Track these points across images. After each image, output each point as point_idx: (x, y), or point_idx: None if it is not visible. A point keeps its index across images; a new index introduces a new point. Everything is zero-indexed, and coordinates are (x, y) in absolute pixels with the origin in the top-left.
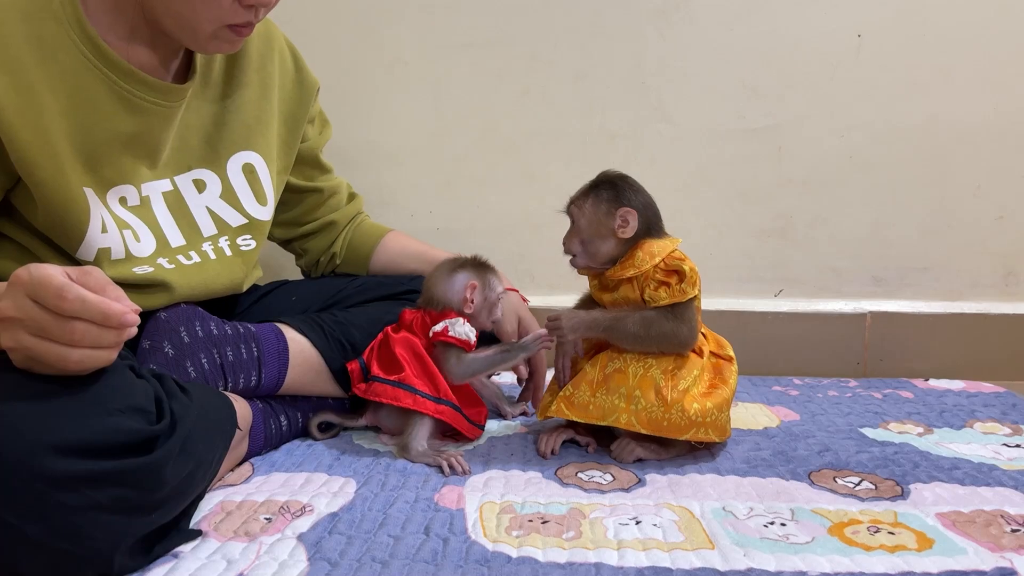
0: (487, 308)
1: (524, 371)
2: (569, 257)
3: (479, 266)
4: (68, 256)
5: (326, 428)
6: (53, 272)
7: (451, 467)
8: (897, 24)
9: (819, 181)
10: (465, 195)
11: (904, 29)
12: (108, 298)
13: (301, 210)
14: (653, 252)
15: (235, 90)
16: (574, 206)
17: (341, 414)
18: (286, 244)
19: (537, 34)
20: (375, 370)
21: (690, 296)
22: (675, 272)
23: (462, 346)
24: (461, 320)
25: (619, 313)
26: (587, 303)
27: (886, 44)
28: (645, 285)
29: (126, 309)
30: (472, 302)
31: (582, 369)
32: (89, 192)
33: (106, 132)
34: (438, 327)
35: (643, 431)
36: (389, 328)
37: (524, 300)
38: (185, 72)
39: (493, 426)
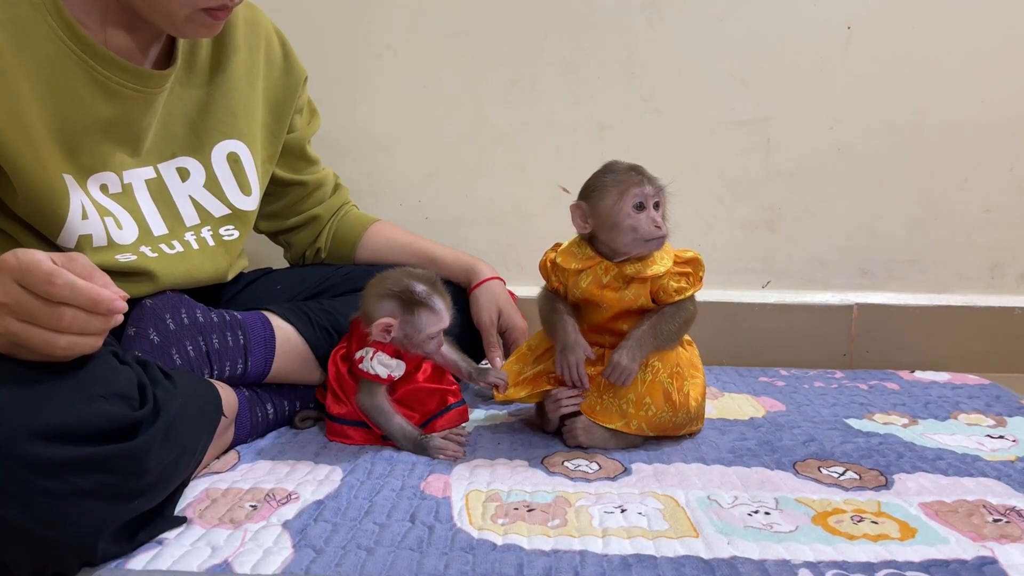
0: (413, 346)
1: (499, 362)
2: (654, 239)
3: (407, 303)
4: (49, 242)
5: (306, 418)
6: (41, 257)
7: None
8: (886, 17)
9: (807, 173)
10: (454, 185)
11: (893, 22)
12: (96, 284)
13: (285, 203)
14: (665, 249)
15: (220, 77)
16: (661, 190)
17: (323, 410)
18: (273, 237)
19: (527, 24)
20: (328, 405)
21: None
22: (687, 262)
23: (374, 380)
24: (372, 352)
25: (650, 324)
26: (551, 302)
27: (875, 37)
28: (663, 282)
29: (115, 296)
30: (389, 336)
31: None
32: (68, 178)
33: (84, 118)
34: (357, 355)
35: (650, 434)
36: (333, 349)
37: (512, 295)
38: (168, 58)
39: (479, 415)
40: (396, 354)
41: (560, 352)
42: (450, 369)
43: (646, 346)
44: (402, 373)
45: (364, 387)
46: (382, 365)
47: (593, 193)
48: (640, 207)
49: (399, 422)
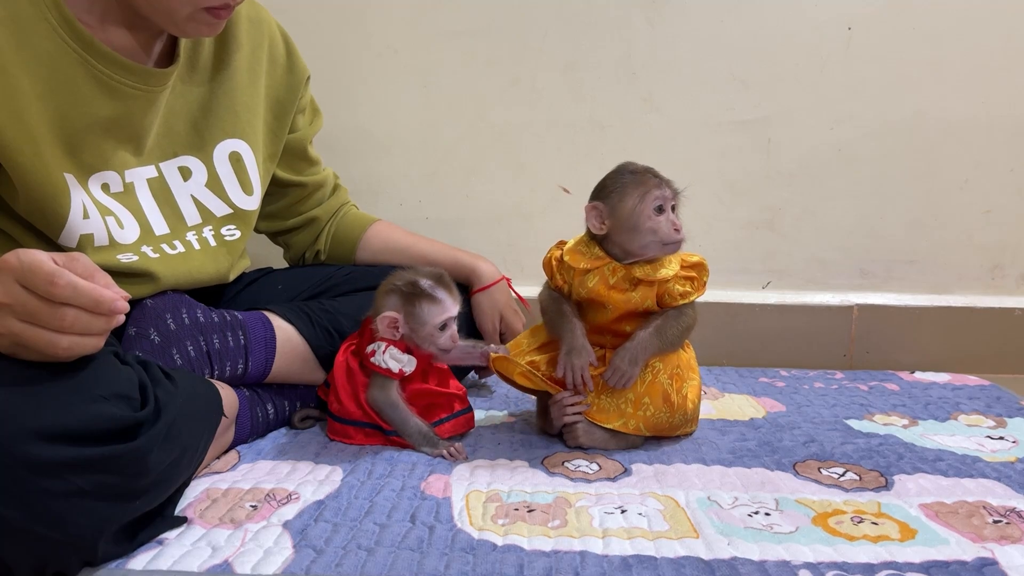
0: (422, 340)
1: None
2: (673, 243)
3: (409, 295)
4: (51, 242)
5: (306, 417)
6: (43, 258)
7: (451, 454)
8: (887, 17)
9: (808, 174)
10: (454, 185)
11: (894, 22)
12: (98, 285)
13: (284, 203)
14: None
15: (223, 75)
16: (677, 193)
17: (324, 409)
18: (272, 237)
19: (527, 23)
20: (330, 403)
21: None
22: (693, 267)
23: (386, 375)
24: (384, 346)
25: (654, 326)
26: (557, 303)
27: (876, 37)
28: (669, 286)
29: (117, 296)
30: (398, 332)
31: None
32: (69, 177)
33: (85, 116)
34: (369, 348)
35: (647, 434)
36: (343, 344)
37: (521, 298)
38: (170, 56)
39: (479, 415)
40: (407, 351)
41: (566, 355)
42: (460, 358)
43: (649, 350)
44: (413, 369)
45: (376, 381)
46: (394, 359)
47: (612, 194)
48: (660, 209)
49: (414, 419)
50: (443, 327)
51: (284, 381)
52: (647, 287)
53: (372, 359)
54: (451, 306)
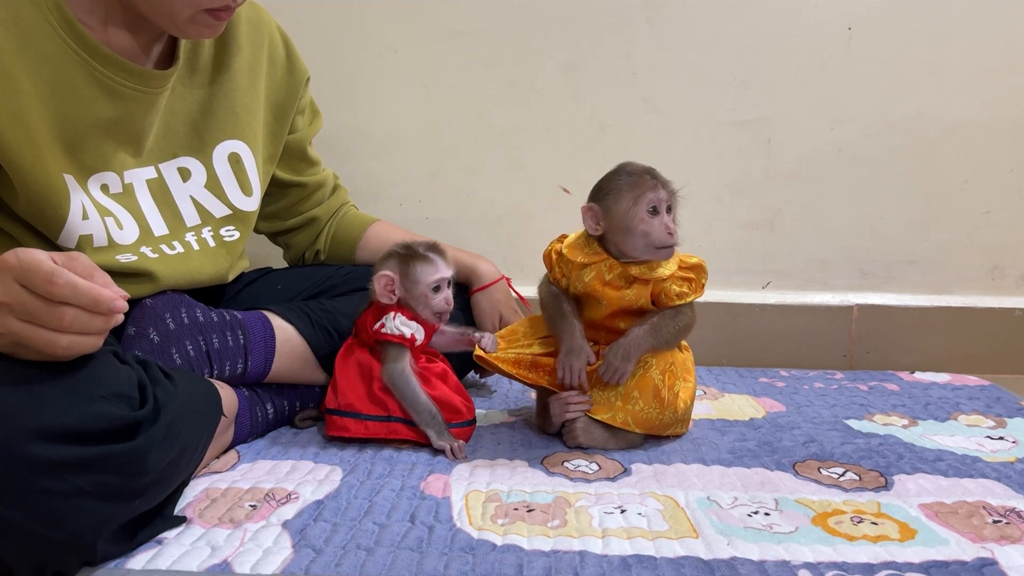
0: (416, 301)
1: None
2: (666, 247)
3: (405, 256)
4: (50, 242)
5: (307, 418)
6: (42, 257)
7: (452, 453)
8: (887, 18)
9: (808, 174)
10: (454, 185)
11: (894, 23)
12: (96, 284)
13: (284, 204)
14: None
15: (223, 77)
16: (674, 194)
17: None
18: (272, 238)
19: (527, 23)
20: (328, 399)
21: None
22: (692, 268)
23: (399, 342)
24: (393, 315)
25: (650, 324)
26: (558, 300)
27: (876, 38)
28: (665, 285)
29: (116, 295)
30: (394, 295)
31: None
32: (69, 178)
33: (86, 118)
34: (378, 323)
35: (637, 430)
36: (344, 346)
37: (521, 298)
38: (170, 58)
39: (479, 414)
40: (414, 319)
41: (565, 355)
42: (450, 344)
43: (642, 347)
44: (423, 338)
45: (390, 354)
46: (404, 325)
47: (607, 196)
48: (654, 211)
49: (425, 397)
50: (436, 289)
51: (284, 381)
52: (642, 285)
53: (383, 330)
54: (444, 268)
